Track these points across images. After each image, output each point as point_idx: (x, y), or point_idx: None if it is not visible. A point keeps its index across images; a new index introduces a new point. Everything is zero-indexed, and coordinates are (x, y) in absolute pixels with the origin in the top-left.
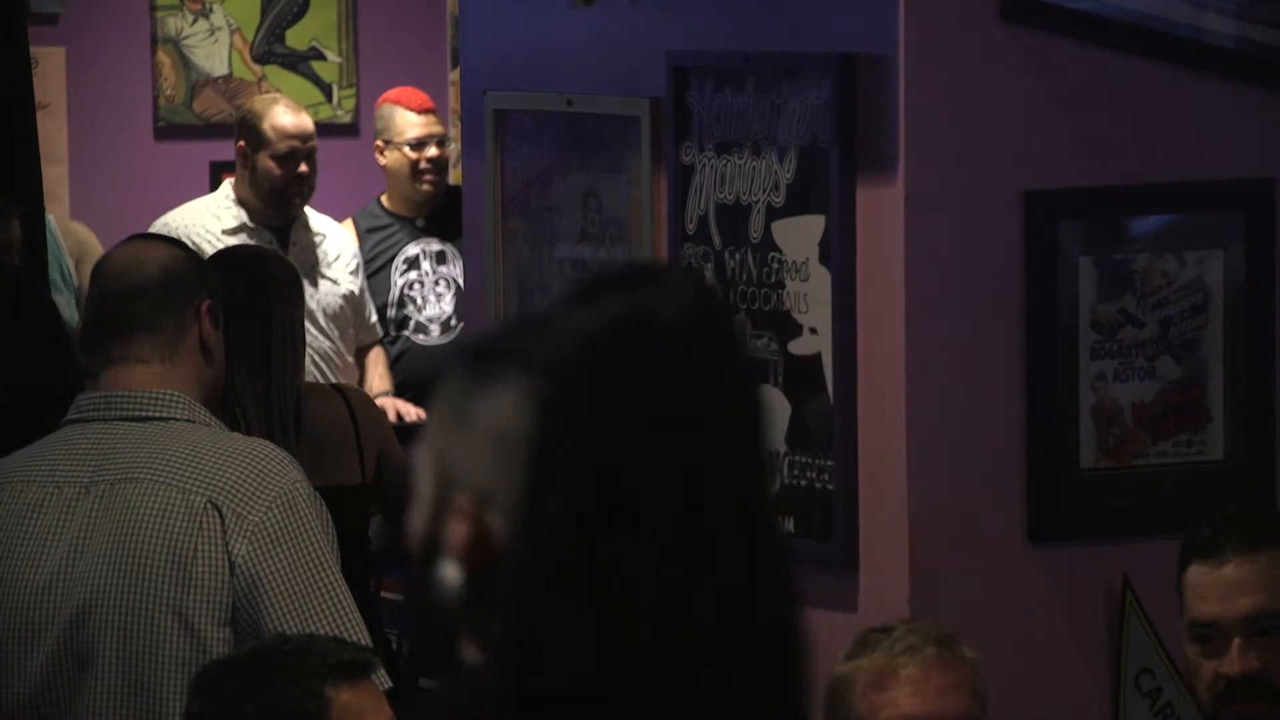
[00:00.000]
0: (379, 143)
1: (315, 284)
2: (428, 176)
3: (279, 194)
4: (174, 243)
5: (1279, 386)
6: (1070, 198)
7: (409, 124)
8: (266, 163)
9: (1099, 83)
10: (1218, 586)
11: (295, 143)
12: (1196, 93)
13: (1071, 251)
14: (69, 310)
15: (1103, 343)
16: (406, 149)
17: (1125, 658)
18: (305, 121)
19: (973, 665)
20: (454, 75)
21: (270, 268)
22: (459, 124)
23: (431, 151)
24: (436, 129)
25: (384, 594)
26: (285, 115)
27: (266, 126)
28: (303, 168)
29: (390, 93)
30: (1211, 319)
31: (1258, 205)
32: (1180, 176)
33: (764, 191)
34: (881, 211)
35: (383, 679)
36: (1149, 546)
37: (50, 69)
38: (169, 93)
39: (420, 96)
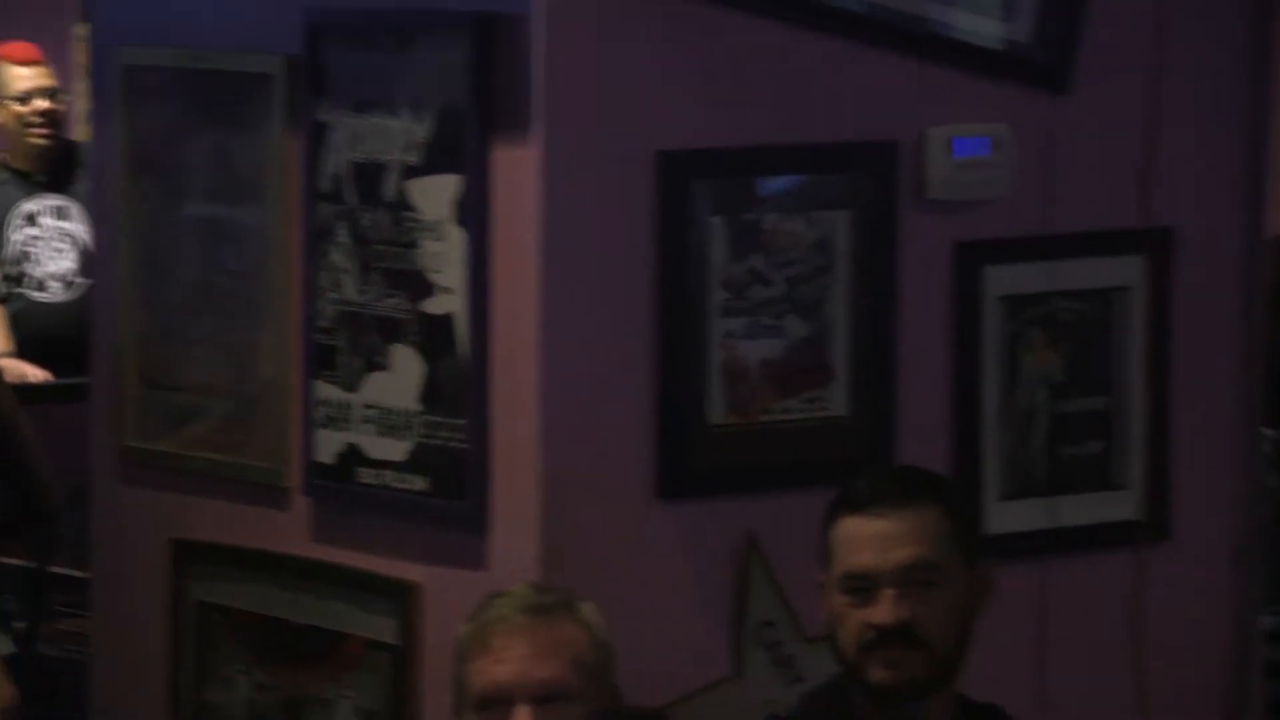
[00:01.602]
0: None
1: None
2: (38, 130)
3: None
4: None
5: (900, 345)
6: (702, 158)
7: (15, 77)
8: None
9: (732, 45)
10: (873, 539)
11: None
12: (825, 56)
13: (703, 211)
14: None
15: (732, 301)
16: (14, 103)
17: (748, 610)
18: None
19: (587, 628)
20: (81, 30)
21: None
22: (88, 80)
23: (40, 104)
24: (45, 81)
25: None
26: None
27: None
28: None
29: None
30: (837, 278)
31: (882, 167)
32: (809, 138)
33: (400, 151)
34: (517, 172)
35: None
36: (775, 502)
37: None
38: None
39: (26, 49)
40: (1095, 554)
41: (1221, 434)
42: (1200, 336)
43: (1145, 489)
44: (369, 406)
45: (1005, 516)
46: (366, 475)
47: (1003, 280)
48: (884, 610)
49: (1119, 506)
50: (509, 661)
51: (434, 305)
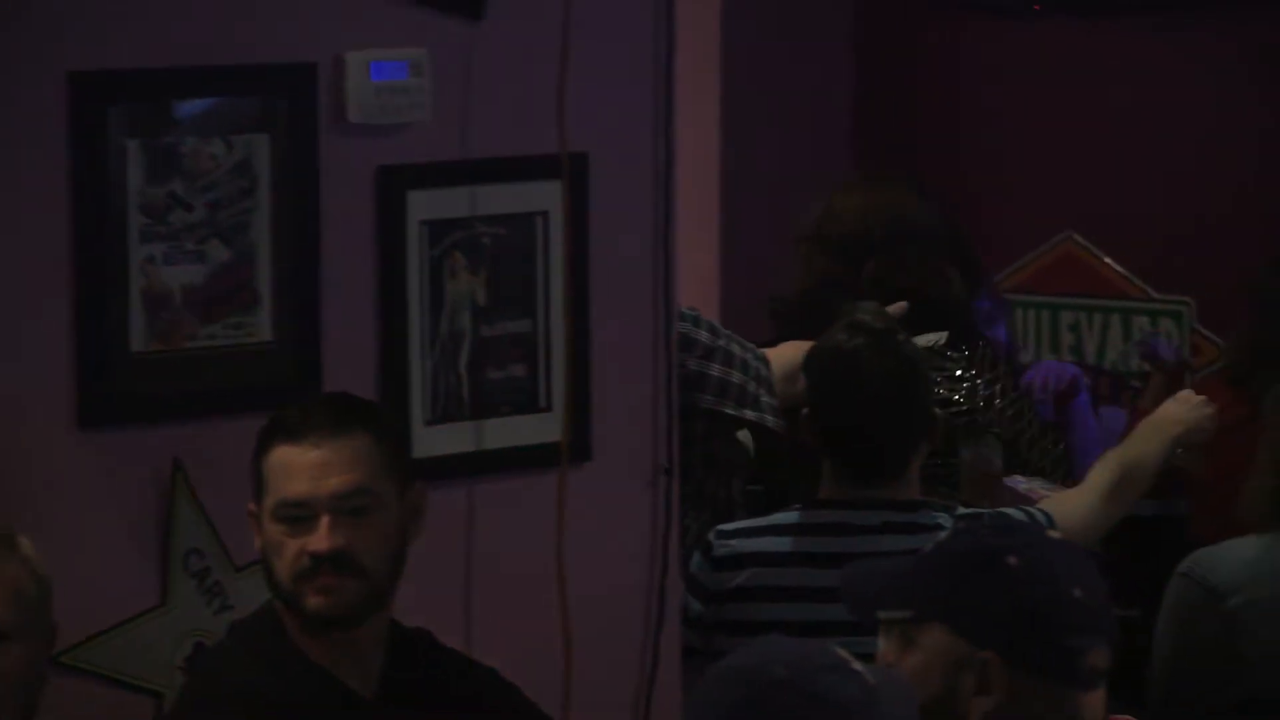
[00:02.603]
0: None
1: None
2: None
3: None
4: None
5: (324, 270)
6: (116, 80)
7: None
8: None
9: None
10: (307, 467)
11: None
12: None
13: (118, 134)
14: None
15: (152, 226)
16: None
17: (174, 539)
18: None
19: (26, 563)
20: None
21: None
22: None
23: None
24: None
25: None
26: None
27: None
28: None
29: None
30: (259, 202)
31: (300, 90)
32: (225, 60)
33: None
34: None
35: None
36: (201, 429)
37: None
38: None
39: None
40: (520, 475)
41: (640, 356)
42: (617, 260)
43: (568, 411)
44: None
45: (432, 440)
46: None
47: (424, 204)
48: (320, 538)
49: (543, 428)
50: None
51: None
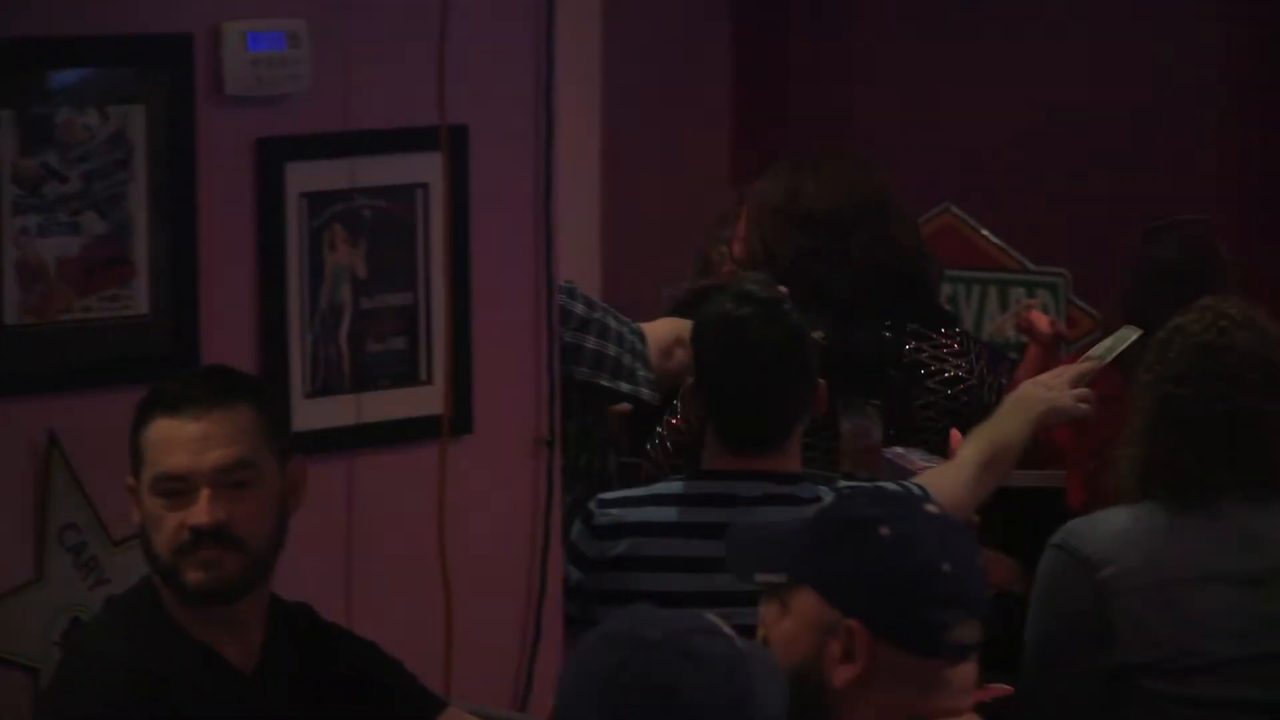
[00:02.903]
0: None
1: None
2: None
3: None
4: None
5: (202, 242)
6: None
7: None
8: None
9: None
10: (187, 440)
11: None
12: None
13: None
14: None
15: (25, 198)
16: None
17: (49, 513)
18: None
19: None
20: None
21: None
22: None
23: None
24: None
25: None
26: None
27: None
28: None
29: None
30: (135, 174)
31: (176, 60)
32: (100, 30)
33: None
34: None
35: None
36: (77, 402)
37: None
38: None
39: None
40: (401, 448)
41: (521, 329)
42: (498, 233)
43: (448, 383)
44: None
45: (313, 413)
46: None
47: (304, 177)
48: (199, 511)
49: (423, 401)
50: None
51: None
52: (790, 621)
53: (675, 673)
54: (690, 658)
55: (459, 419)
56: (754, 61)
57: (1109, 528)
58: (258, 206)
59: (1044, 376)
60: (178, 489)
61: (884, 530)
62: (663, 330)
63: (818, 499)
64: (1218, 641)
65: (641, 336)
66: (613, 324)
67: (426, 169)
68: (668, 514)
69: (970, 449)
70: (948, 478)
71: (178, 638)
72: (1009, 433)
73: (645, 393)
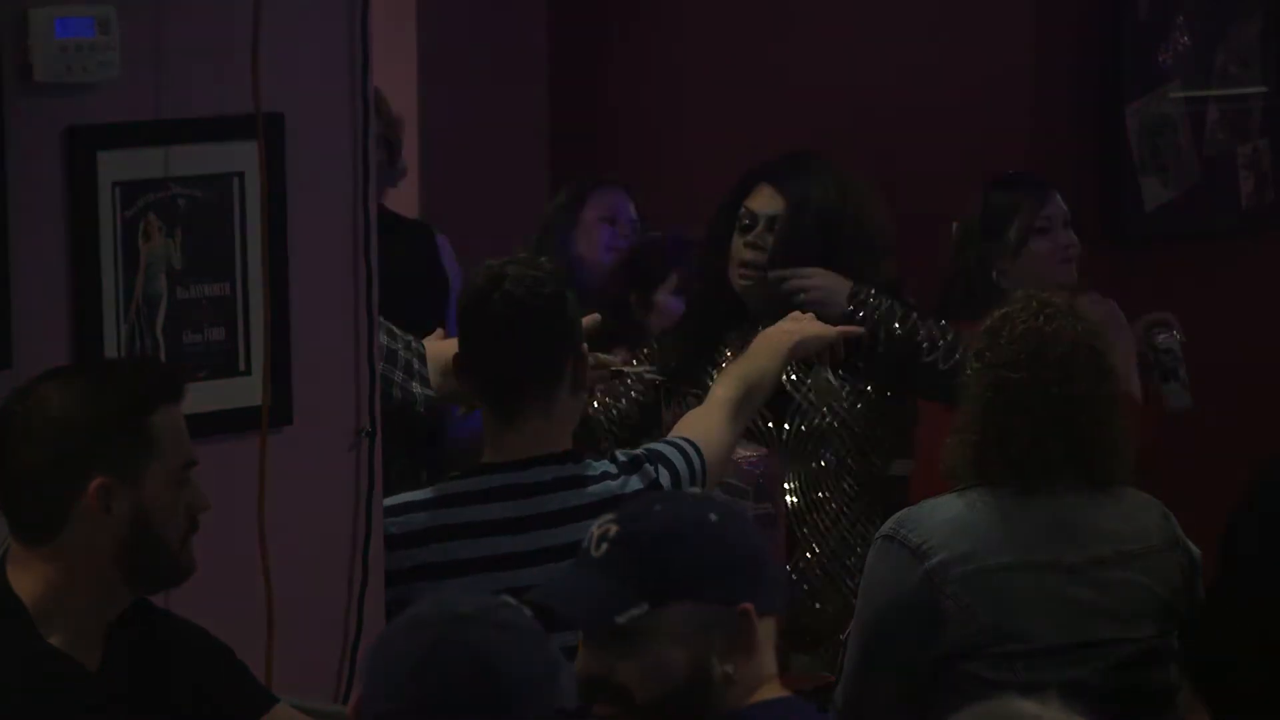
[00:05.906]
0: None
1: None
2: None
3: None
4: None
5: (12, 234)
6: None
7: None
8: None
9: None
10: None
11: None
12: None
13: None
14: None
15: None
16: None
17: None
18: None
19: None
20: None
21: None
22: None
23: None
24: None
25: None
26: None
27: None
28: None
29: None
30: None
31: None
32: None
33: None
34: None
35: None
36: None
37: None
38: None
39: None
40: (220, 439)
41: (340, 319)
42: (316, 221)
43: (267, 374)
44: None
45: None
46: None
47: (116, 166)
48: (202, 495)
49: (242, 392)
50: None
51: None
52: (653, 649)
53: (493, 642)
54: (506, 628)
55: (278, 410)
56: (571, 33)
57: (939, 516)
58: (68, 196)
59: (793, 314)
60: (190, 476)
61: (713, 517)
62: (442, 348)
63: (605, 475)
64: (1040, 627)
65: (420, 356)
66: (384, 341)
67: (242, 157)
68: (463, 515)
69: (724, 389)
70: (708, 423)
71: (29, 642)
72: (762, 371)
73: (419, 404)
